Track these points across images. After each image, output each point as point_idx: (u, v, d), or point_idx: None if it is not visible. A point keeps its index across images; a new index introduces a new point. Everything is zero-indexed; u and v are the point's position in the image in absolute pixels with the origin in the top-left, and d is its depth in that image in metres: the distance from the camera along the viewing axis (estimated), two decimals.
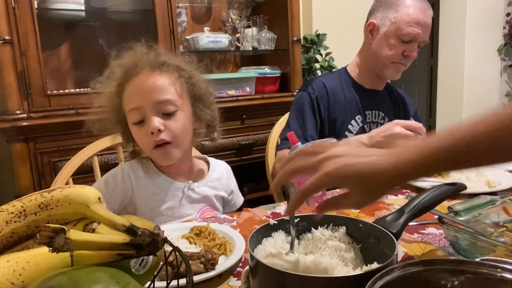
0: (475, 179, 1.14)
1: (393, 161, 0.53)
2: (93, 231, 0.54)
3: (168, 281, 0.54)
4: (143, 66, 0.98)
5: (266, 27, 2.33)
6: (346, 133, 1.40)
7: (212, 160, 1.16)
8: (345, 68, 1.51)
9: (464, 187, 0.78)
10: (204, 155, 1.21)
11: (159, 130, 0.94)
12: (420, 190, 1.08)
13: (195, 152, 1.26)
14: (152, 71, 0.97)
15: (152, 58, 0.99)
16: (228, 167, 1.18)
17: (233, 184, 1.17)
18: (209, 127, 1.08)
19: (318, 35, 2.59)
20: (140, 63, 0.98)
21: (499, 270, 0.49)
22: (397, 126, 1.17)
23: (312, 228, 0.70)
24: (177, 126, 0.97)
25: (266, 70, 2.33)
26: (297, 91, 2.27)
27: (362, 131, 1.42)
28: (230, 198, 1.14)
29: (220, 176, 1.12)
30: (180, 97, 0.98)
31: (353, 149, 0.56)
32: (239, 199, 1.18)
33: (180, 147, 1.00)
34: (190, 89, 1.01)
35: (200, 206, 1.06)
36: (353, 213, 0.99)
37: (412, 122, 1.19)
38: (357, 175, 0.53)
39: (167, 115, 0.96)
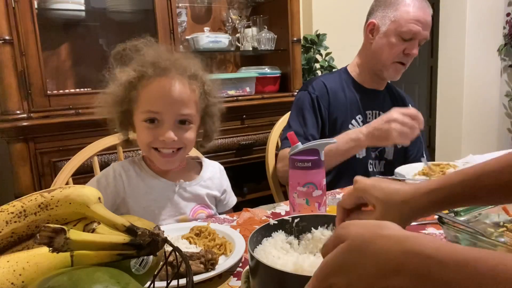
0: None
1: (414, 186, 0.60)
2: (93, 231, 0.54)
3: (168, 281, 0.54)
4: (175, 70, 0.96)
5: (266, 27, 2.33)
6: None
7: (204, 160, 1.16)
8: (345, 68, 1.51)
9: None
10: (197, 155, 1.20)
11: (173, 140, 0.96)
12: None
13: (191, 152, 1.26)
14: (182, 81, 0.96)
15: (187, 68, 0.98)
16: (221, 167, 1.18)
17: (225, 183, 1.16)
18: (208, 137, 1.09)
19: (318, 35, 2.59)
20: (173, 66, 0.96)
21: None
22: (394, 112, 1.18)
23: (312, 228, 0.70)
24: (189, 137, 0.99)
25: (266, 70, 2.33)
26: (297, 91, 2.28)
27: None
28: (223, 198, 1.14)
29: (212, 175, 1.12)
30: (197, 112, 1.00)
31: (384, 179, 0.65)
32: (232, 199, 1.17)
33: (184, 155, 1.03)
34: (207, 107, 1.03)
35: (192, 205, 1.05)
36: None
37: (409, 109, 1.20)
38: (381, 191, 0.61)
39: (182, 125, 0.98)
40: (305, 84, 1.47)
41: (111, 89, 0.98)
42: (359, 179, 0.65)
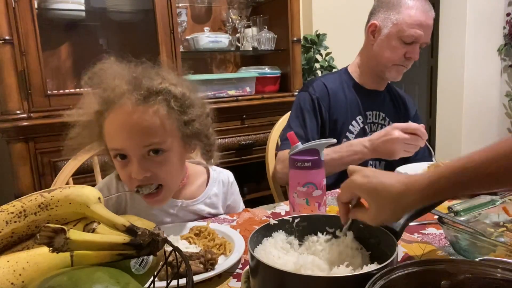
0: None
1: (404, 182, 0.60)
2: (93, 231, 0.54)
3: (168, 281, 0.54)
4: (121, 97, 0.80)
5: (266, 27, 2.33)
6: (347, 133, 1.40)
7: (213, 170, 1.05)
8: (345, 69, 1.51)
9: None
10: (205, 164, 1.08)
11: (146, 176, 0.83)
12: None
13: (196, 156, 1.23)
14: (136, 106, 0.80)
15: (134, 92, 0.80)
16: (231, 178, 1.08)
17: (231, 198, 1.07)
18: (205, 154, 0.95)
19: (318, 35, 2.58)
20: (119, 99, 0.81)
21: (499, 270, 0.49)
22: (395, 131, 1.19)
23: (313, 232, 0.70)
24: (166, 169, 0.85)
25: (266, 70, 2.33)
26: (297, 91, 2.28)
27: (362, 131, 1.42)
28: (226, 212, 1.07)
29: (218, 192, 1.03)
30: (169, 136, 0.84)
31: (376, 171, 0.65)
32: (239, 211, 1.10)
33: (172, 188, 0.90)
34: (182, 127, 0.85)
35: (192, 221, 0.99)
36: None
37: (410, 124, 1.20)
38: (373, 189, 0.62)
39: (154, 155, 0.83)
40: (306, 85, 1.47)
41: (75, 131, 0.88)
42: (353, 173, 0.66)
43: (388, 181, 0.61)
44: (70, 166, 1.21)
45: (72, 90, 1.90)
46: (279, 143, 1.56)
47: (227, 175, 1.08)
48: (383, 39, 1.36)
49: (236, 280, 0.69)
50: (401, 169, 1.28)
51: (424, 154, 1.45)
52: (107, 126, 0.84)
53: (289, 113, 1.48)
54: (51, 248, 0.42)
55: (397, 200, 0.60)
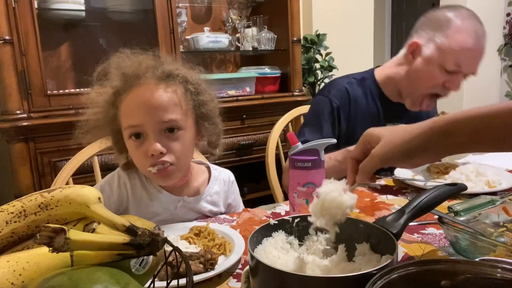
0: (475, 179, 1.13)
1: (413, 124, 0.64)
2: (93, 231, 0.54)
3: (168, 281, 0.54)
4: (147, 77, 0.87)
5: (266, 27, 2.33)
6: None
7: (214, 169, 1.08)
8: (373, 74, 1.40)
9: (465, 188, 0.77)
10: (207, 162, 1.13)
11: (161, 153, 0.87)
12: (420, 191, 1.08)
13: (198, 155, 1.24)
14: (157, 84, 0.87)
15: (158, 68, 0.89)
16: (231, 177, 1.11)
17: (232, 196, 1.09)
18: (212, 143, 0.99)
19: (318, 35, 2.59)
20: (144, 74, 0.87)
21: (499, 270, 0.49)
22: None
23: (313, 232, 0.70)
24: (181, 147, 0.90)
25: (266, 70, 2.33)
26: (297, 91, 2.28)
27: None
28: (227, 211, 1.08)
29: (220, 190, 1.05)
30: (185, 115, 0.90)
31: None
32: (238, 211, 1.11)
33: (182, 169, 0.94)
34: (197, 107, 0.93)
35: (193, 219, 1.00)
36: (353, 213, 0.99)
37: None
38: (384, 128, 0.66)
39: (170, 134, 0.88)
40: (327, 89, 1.37)
41: (89, 113, 0.91)
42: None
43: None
44: (70, 166, 1.21)
45: (72, 90, 1.90)
46: (280, 143, 1.56)
47: (228, 174, 1.10)
48: (421, 61, 1.24)
49: (236, 280, 0.69)
50: (400, 170, 1.28)
51: None
52: (125, 104, 0.88)
53: (289, 113, 1.48)
54: (51, 248, 0.42)
55: (407, 130, 0.62)
